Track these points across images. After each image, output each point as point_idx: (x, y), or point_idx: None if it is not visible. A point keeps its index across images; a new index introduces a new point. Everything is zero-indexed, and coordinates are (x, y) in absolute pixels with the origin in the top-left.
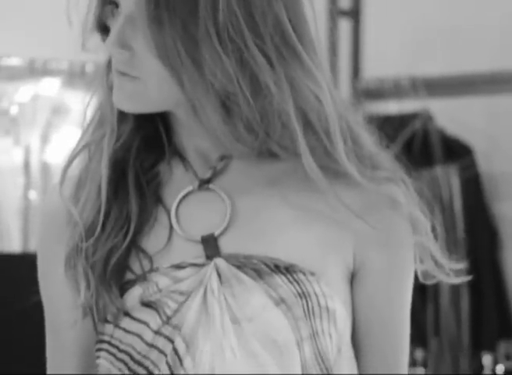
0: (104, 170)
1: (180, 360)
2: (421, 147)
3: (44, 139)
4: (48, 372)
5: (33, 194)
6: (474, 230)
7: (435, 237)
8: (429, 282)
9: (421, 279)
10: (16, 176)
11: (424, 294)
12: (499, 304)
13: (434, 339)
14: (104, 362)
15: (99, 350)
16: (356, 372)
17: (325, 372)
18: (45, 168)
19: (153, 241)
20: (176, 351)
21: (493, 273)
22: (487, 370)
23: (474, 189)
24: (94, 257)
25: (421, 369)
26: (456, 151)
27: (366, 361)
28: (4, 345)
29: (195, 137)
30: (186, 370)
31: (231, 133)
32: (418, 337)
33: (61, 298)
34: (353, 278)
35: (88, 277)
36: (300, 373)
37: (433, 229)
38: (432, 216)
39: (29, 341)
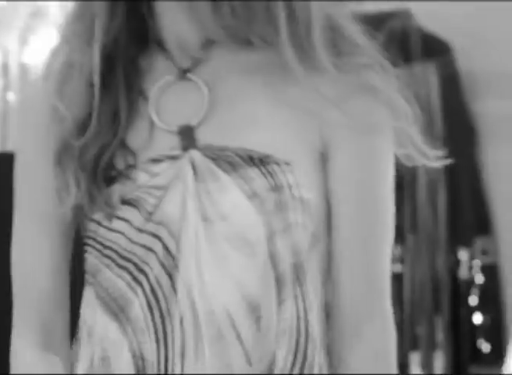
0: (96, 62)
1: (173, 258)
2: (400, 45)
3: (23, 41)
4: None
5: (11, 96)
6: (452, 128)
7: (415, 121)
8: (409, 165)
9: (404, 162)
10: None
11: (401, 190)
12: (476, 200)
13: (411, 235)
14: (90, 257)
15: (85, 244)
16: (324, 270)
17: (297, 264)
18: (24, 69)
19: (136, 135)
20: (166, 248)
21: (470, 169)
22: (463, 266)
23: (452, 86)
24: (85, 155)
25: (397, 266)
26: (435, 49)
27: (342, 257)
28: None
29: (177, 24)
30: (179, 269)
31: (215, 16)
32: (395, 233)
33: (43, 192)
34: (324, 163)
35: (78, 176)
36: (270, 268)
37: (413, 114)
38: (412, 105)
39: None
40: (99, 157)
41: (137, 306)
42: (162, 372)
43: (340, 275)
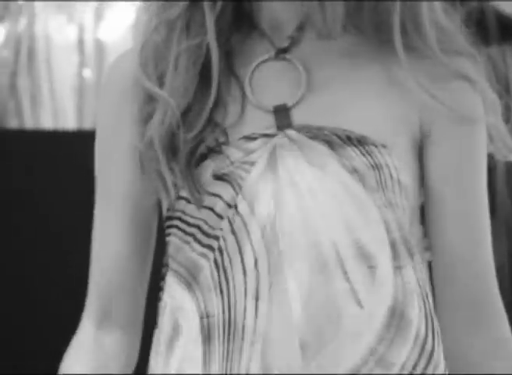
0: (213, 44)
1: (237, 211)
2: (477, 27)
3: (99, 17)
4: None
5: (87, 72)
6: None
7: (506, 118)
8: (502, 160)
9: (496, 156)
10: (70, 54)
11: None
12: None
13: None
14: (173, 239)
15: (170, 227)
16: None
17: (404, 239)
18: (99, 46)
19: (226, 113)
20: (236, 207)
21: None
22: None
23: None
24: (176, 136)
25: None
26: None
27: (437, 240)
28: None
29: (274, 5)
30: (242, 216)
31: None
32: None
33: (122, 172)
34: (422, 151)
35: (168, 155)
36: (383, 229)
37: (504, 109)
38: (502, 97)
39: None
40: (191, 138)
41: (207, 269)
42: (227, 320)
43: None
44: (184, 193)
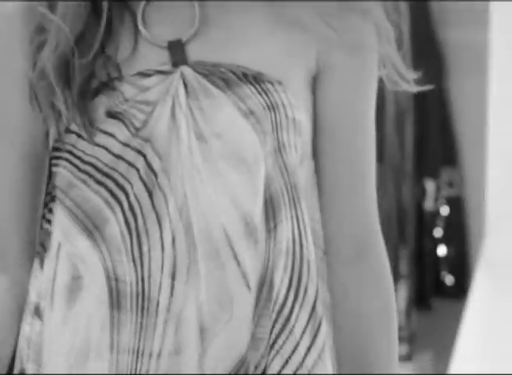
0: None
1: (156, 175)
2: None
3: None
4: None
5: None
6: (421, 57)
7: (399, 46)
8: (392, 89)
9: (386, 85)
10: None
11: None
12: (443, 131)
13: (377, 165)
14: (63, 171)
15: (56, 158)
16: (313, 185)
17: (289, 185)
18: None
19: (118, 47)
20: (149, 165)
21: (439, 100)
22: (429, 197)
23: (422, 14)
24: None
25: None
26: None
27: (327, 171)
28: None
29: None
30: (162, 188)
31: None
32: None
33: (14, 100)
34: (315, 84)
35: (61, 86)
36: (262, 188)
37: (397, 39)
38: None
39: None
40: (80, 66)
41: (114, 224)
42: (140, 292)
43: (329, 199)
44: (75, 127)
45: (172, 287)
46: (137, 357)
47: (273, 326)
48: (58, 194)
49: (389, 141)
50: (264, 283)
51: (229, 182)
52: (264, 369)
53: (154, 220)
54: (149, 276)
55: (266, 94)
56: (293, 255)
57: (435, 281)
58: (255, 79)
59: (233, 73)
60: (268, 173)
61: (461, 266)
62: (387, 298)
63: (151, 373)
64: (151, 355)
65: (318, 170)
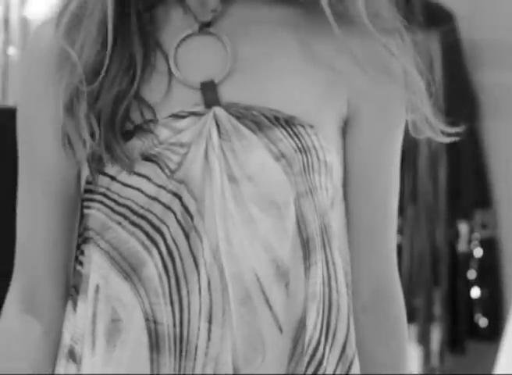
0: (110, 5)
1: (192, 218)
2: (402, 13)
3: None
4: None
5: (12, 50)
6: (453, 98)
7: (428, 94)
8: (418, 136)
9: (411, 132)
10: None
11: (402, 160)
12: (476, 173)
13: (411, 207)
14: (97, 214)
15: (90, 200)
16: (345, 226)
17: (321, 227)
18: (25, 24)
19: (152, 89)
20: (185, 207)
21: (472, 142)
22: (463, 239)
23: (454, 55)
24: (98, 103)
25: (397, 237)
26: (438, 17)
27: (352, 214)
28: None
29: None
30: (198, 230)
31: None
32: None
33: (47, 145)
34: (345, 128)
35: (92, 124)
36: (298, 231)
37: (426, 86)
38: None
39: None
40: (116, 105)
41: (152, 267)
42: (178, 335)
43: (351, 243)
44: (109, 169)
45: (209, 331)
46: None
47: (306, 369)
48: (92, 235)
49: (422, 183)
50: (297, 325)
51: (260, 226)
52: None
53: (192, 263)
54: (188, 320)
55: (298, 138)
56: (323, 297)
57: (469, 324)
58: (287, 122)
59: (265, 116)
60: (302, 215)
61: (495, 308)
62: (400, 346)
63: None
64: None
65: (345, 213)
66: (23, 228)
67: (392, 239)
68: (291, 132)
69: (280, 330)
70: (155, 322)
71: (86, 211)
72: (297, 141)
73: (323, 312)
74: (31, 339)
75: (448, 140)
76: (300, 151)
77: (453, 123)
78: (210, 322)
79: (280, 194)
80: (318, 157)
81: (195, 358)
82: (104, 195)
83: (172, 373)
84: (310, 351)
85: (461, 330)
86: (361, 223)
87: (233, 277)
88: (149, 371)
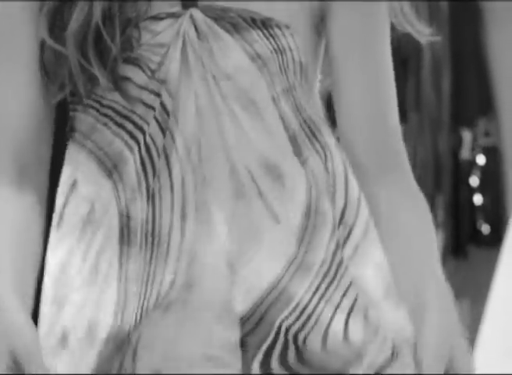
0: None
1: (168, 115)
2: None
3: None
4: None
5: None
6: (457, 6)
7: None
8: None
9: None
10: None
11: (404, 68)
12: (481, 80)
13: (414, 114)
14: (83, 116)
15: (76, 103)
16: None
17: (304, 123)
18: None
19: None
20: (164, 106)
21: (476, 49)
22: (466, 146)
23: None
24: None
25: None
26: None
27: (349, 102)
28: None
29: None
30: (171, 128)
31: None
32: (398, 112)
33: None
34: (323, 25)
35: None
36: (282, 129)
37: None
38: None
39: None
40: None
41: (131, 163)
42: (150, 231)
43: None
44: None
45: (183, 228)
46: (147, 286)
47: (337, 246)
48: (78, 137)
49: (425, 90)
50: (310, 213)
51: (242, 122)
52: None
53: (164, 160)
54: (160, 216)
55: (273, 39)
56: (333, 181)
57: (472, 230)
58: (263, 24)
59: (242, 17)
60: (283, 113)
61: (497, 214)
62: (420, 203)
63: (159, 301)
64: (161, 283)
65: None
66: (2, 97)
67: (392, 119)
68: (267, 33)
69: (277, 220)
70: (128, 217)
71: (72, 113)
72: (273, 42)
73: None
74: (23, 205)
75: (426, 39)
76: (276, 51)
77: (457, 31)
78: (183, 218)
79: (257, 92)
80: (293, 58)
81: (167, 253)
82: (89, 98)
83: (143, 263)
84: (335, 232)
85: (464, 236)
86: (355, 111)
87: (222, 172)
88: (117, 261)
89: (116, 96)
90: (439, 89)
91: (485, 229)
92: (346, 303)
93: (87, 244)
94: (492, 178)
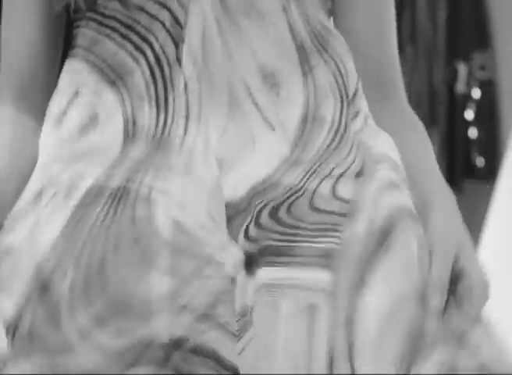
0: None
1: (181, 28)
2: None
3: None
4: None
5: None
6: None
7: None
8: None
9: None
10: None
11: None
12: (477, 13)
13: (409, 46)
14: (85, 30)
15: (78, 20)
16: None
17: (313, 33)
18: None
19: None
20: (175, 18)
21: None
22: (461, 80)
23: None
24: None
25: None
26: None
27: (352, 27)
28: None
29: None
30: (184, 39)
31: None
32: None
33: None
34: None
35: None
36: (289, 36)
37: None
38: None
39: None
40: None
41: (139, 74)
42: (155, 133)
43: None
44: None
45: (186, 127)
46: (147, 171)
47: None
48: (81, 52)
49: (421, 22)
50: (307, 119)
51: (249, 34)
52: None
53: (178, 69)
54: (171, 122)
55: None
56: (340, 95)
57: (467, 163)
58: None
59: None
60: (294, 22)
61: (492, 148)
62: (418, 125)
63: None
64: (159, 169)
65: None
66: (5, 33)
67: (391, 48)
68: None
69: (271, 127)
70: (134, 123)
71: (75, 31)
72: None
73: (342, 104)
74: (21, 125)
75: None
76: None
77: None
78: (187, 119)
79: (266, 2)
80: None
81: (170, 149)
82: (91, 10)
83: (145, 157)
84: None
85: (459, 170)
86: (360, 37)
87: (221, 82)
88: (119, 153)
89: (118, 6)
90: (435, 21)
91: (480, 162)
92: (337, 172)
93: (89, 141)
94: (487, 112)
